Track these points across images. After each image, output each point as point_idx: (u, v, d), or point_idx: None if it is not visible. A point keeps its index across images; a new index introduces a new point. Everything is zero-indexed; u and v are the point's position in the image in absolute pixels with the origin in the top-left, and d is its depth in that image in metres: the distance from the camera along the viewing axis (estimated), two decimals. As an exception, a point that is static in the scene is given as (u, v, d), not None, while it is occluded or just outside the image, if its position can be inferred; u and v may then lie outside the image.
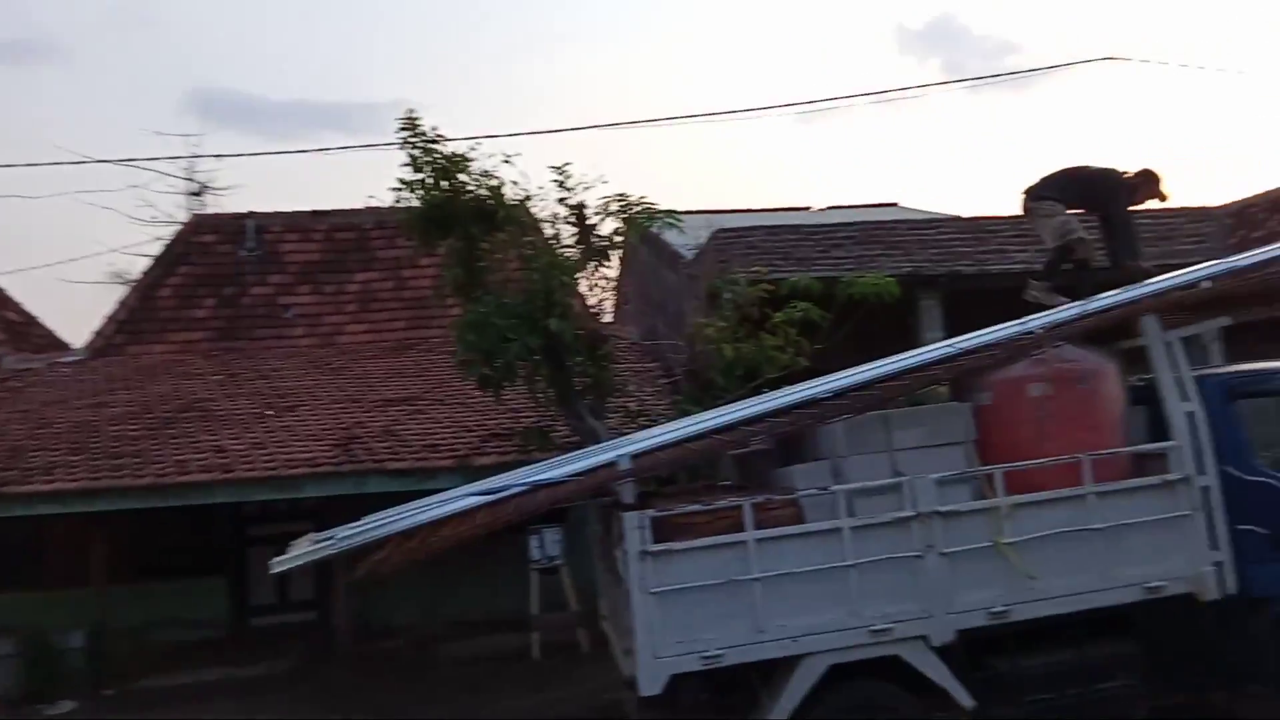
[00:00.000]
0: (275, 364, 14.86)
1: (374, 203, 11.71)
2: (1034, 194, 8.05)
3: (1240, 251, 8.96)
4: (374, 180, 34.60)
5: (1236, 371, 6.86)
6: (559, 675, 9.84)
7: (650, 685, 5.67)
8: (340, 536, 6.59)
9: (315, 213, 17.74)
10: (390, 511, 7.03)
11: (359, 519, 7.12)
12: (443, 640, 12.03)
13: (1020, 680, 6.00)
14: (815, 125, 67.70)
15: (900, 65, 65.55)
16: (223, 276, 16.59)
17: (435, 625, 12.71)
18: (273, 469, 10.60)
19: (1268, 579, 6.17)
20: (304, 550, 6.57)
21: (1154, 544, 6.07)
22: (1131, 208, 7.92)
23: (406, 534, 6.50)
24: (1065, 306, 7.01)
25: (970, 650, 5.97)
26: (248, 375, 14.30)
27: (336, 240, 17.34)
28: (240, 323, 16.23)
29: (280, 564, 6.55)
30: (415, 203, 9.75)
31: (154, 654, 11.77)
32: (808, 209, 18.29)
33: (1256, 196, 23.14)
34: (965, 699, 5.86)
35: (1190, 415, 6.28)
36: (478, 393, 10.40)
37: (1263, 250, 9.35)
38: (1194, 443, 6.23)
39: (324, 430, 11.65)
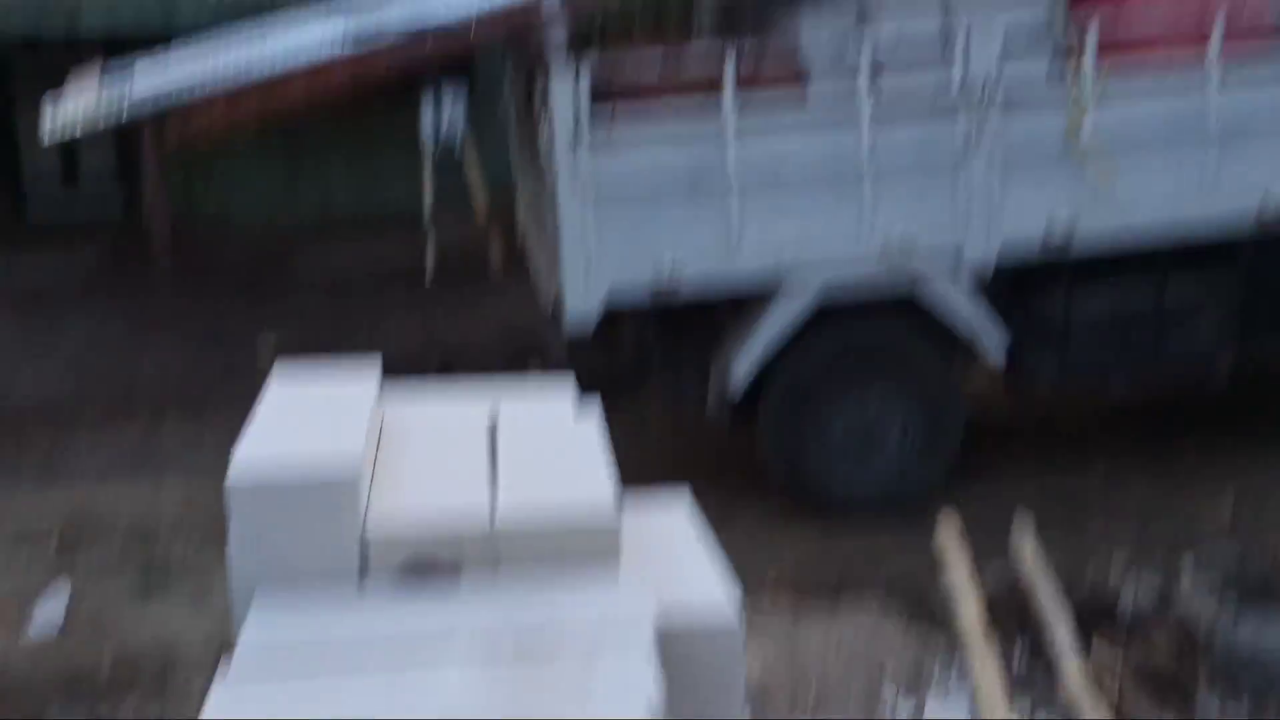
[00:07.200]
0: None
1: None
2: None
3: None
4: None
5: None
6: (455, 299, 8.43)
7: (579, 319, 4.52)
8: (139, 83, 5.27)
9: None
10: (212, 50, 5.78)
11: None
12: (301, 245, 10.23)
13: (1070, 329, 4.79)
14: None
15: None
16: None
17: (290, 226, 10.76)
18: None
19: None
20: (88, 103, 5.22)
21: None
22: None
23: (237, 94, 5.13)
24: None
25: (1004, 290, 4.72)
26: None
27: None
28: None
29: (56, 129, 5.36)
30: None
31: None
32: None
33: None
34: (995, 349, 4.71)
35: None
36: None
37: None
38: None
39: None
